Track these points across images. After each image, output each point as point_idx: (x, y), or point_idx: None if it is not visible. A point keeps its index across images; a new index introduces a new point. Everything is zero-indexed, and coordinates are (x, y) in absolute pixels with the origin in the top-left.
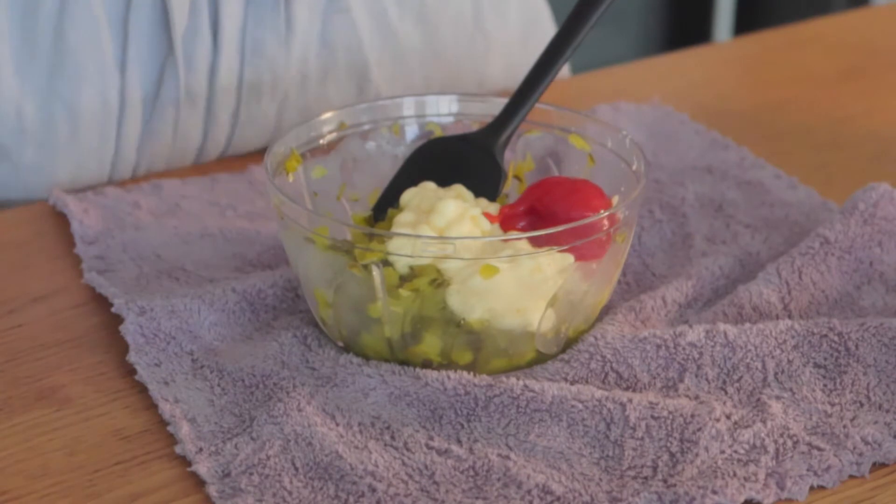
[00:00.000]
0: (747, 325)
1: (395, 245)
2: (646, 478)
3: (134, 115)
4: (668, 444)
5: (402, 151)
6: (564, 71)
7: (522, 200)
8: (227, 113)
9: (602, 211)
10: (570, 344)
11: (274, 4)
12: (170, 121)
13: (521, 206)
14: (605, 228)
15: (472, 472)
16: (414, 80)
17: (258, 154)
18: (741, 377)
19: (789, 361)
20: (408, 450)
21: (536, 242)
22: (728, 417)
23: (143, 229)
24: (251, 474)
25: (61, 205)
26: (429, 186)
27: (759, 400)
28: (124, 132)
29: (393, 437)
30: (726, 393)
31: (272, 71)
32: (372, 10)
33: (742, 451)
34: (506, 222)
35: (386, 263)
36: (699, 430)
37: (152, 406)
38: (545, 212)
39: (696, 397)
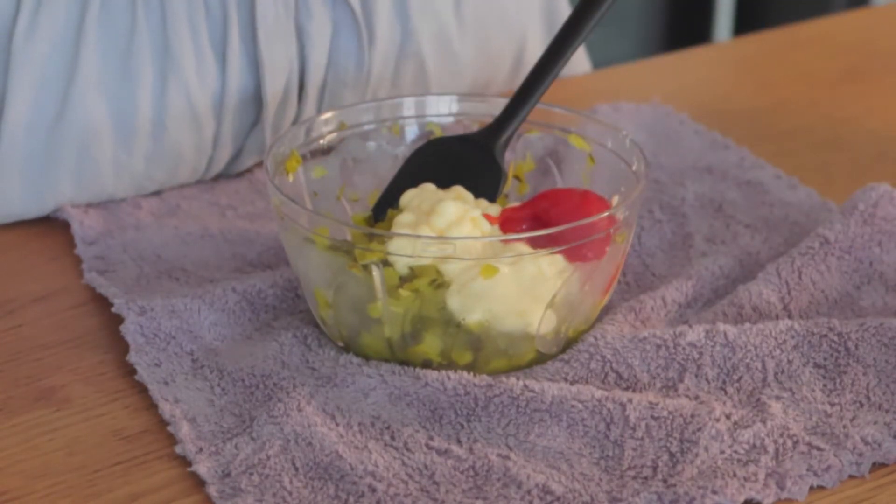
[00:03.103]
0: (747, 325)
1: (395, 245)
2: (646, 478)
3: (214, 172)
4: (668, 444)
5: (402, 151)
6: (586, 66)
7: (527, 206)
8: None
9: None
10: (570, 344)
11: (357, 65)
12: (242, 168)
13: (524, 211)
14: (604, 229)
15: (472, 472)
16: (463, 84)
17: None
18: (741, 377)
19: (789, 361)
20: (408, 450)
21: (536, 243)
22: (728, 417)
23: (143, 230)
24: (251, 474)
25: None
26: (429, 188)
27: (759, 400)
28: (202, 178)
29: (393, 437)
30: (726, 393)
31: None
32: (439, 41)
33: (742, 451)
34: (507, 224)
35: (386, 264)
36: (699, 430)
37: (152, 406)
38: (550, 223)
39: (696, 397)
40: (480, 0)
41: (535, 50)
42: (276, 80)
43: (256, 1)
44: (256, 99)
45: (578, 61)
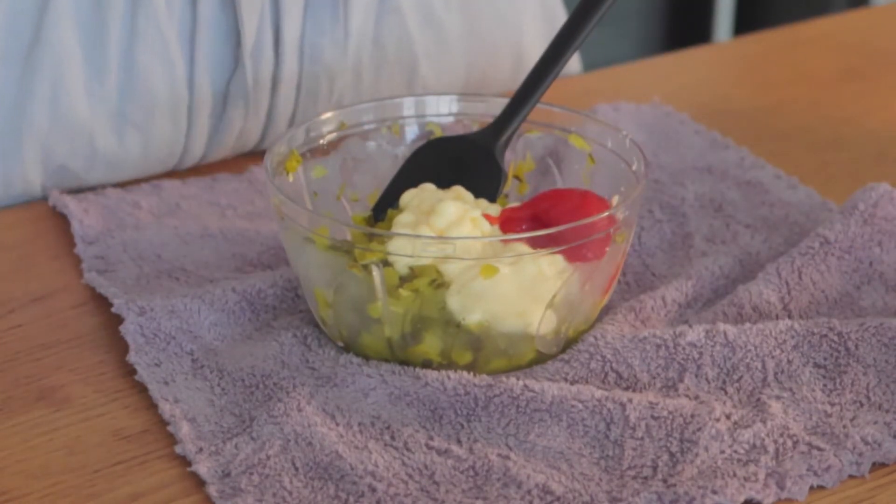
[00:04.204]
0: (747, 325)
1: (395, 245)
2: (646, 478)
3: (201, 132)
4: (668, 444)
5: (402, 151)
6: (576, 67)
7: (527, 206)
8: (286, 117)
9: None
10: (570, 344)
11: (333, 12)
12: (234, 133)
13: (524, 211)
14: (604, 229)
15: (472, 472)
16: (459, 69)
17: (258, 154)
18: (741, 377)
19: (789, 361)
20: (408, 450)
21: (536, 243)
22: (728, 417)
23: (143, 229)
24: (251, 474)
25: (61, 205)
26: (429, 188)
27: (759, 400)
28: (191, 147)
29: (393, 437)
30: (726, 393)
31: (328, 75)
32: (420, 3)
33: (742, 451)
34: (507, 224)
35: (386, 263)
36: (699, 430)
37: (152, 406)
38: (550, 223)
39: (696, 397)
40: None
41: (533, 43)
42: (251, 15)
43: None
44: (231, 44)
45: (570, 62)
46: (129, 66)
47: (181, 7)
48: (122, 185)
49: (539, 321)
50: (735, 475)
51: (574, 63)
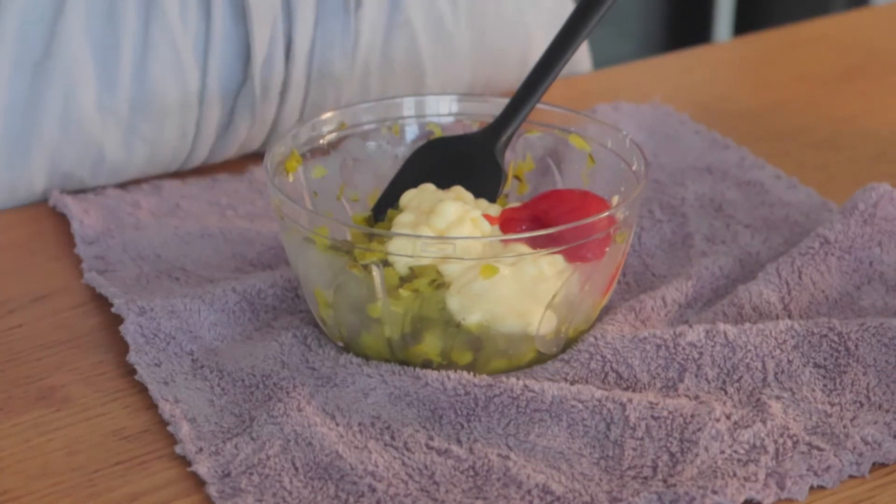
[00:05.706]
0: (747, 325)
1: (395, 245)
2: (646, 478)
3: (207, 139)
4: (668, 444)
5: (402, 151)
6: (587, 65)
7: (527, 207)
8: (290, 124)
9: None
10: (570, 344)
11: (344, 26)
12: (239, 140)
13: (524, 211)
14: (604, 229)
15: (472, 472)
16: (464, 77)
17: (258, 155)
18: (741, 377)
19: (789, 361)
20: (408, 450)
21: (536, 244)
22: (728, 417)
23: (143, 229)
24: (251, 474)
25: (61, 205)
26: (429, 188)
27: (759, 400)
28: (196, 153)
29: (393, 437)
30: (726, 393)
31: (336, 86)
32: (429, 17)
33: (742, 451)
34: (507, 225)
35: (386, 263)
36: (699, 430)
37: (152, 406)
38: (550, 224)
39: (696, 397)
40: None
41: (540, 51)
42: (262, 28)
43: None
44: (242, 56)
45: (580, 60)
46: (142, 78)
47: (195, 20)
48: (122, 185)
49: (539, 321)
50: (735, 475)
51: (584, 61)
